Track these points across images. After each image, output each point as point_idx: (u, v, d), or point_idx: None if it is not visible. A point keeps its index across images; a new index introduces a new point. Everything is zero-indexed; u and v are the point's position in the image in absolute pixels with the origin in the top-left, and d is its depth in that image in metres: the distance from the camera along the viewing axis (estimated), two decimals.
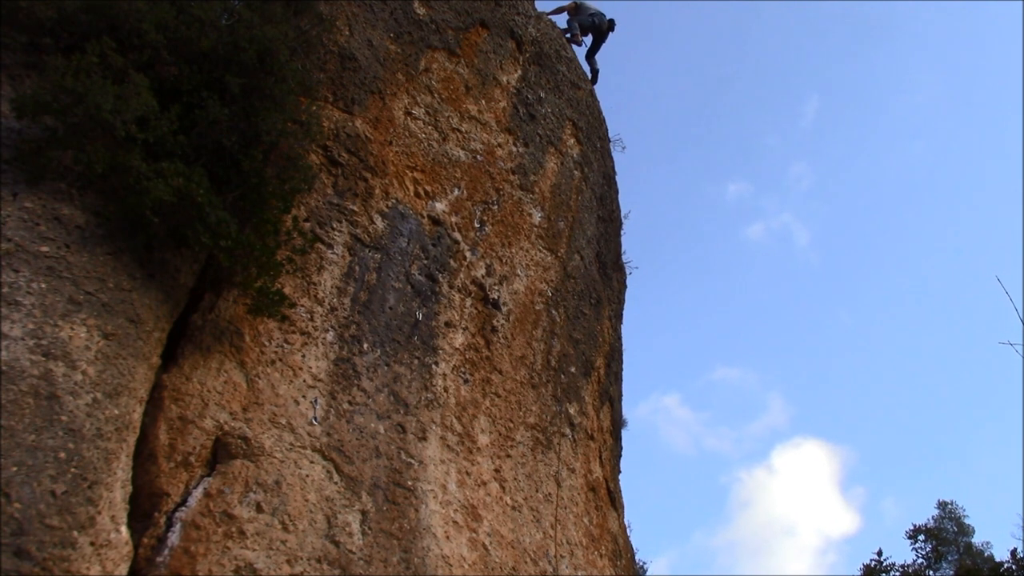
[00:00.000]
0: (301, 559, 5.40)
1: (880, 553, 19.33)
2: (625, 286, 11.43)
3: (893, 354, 75.48)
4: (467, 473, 7.05)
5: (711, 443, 77.21)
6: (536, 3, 10.84)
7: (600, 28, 12.36)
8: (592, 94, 11.36)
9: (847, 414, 70.85)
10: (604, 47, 12.54)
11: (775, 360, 78.27)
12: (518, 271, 8.61)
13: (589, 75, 11.98)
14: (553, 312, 8.90)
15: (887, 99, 79.02)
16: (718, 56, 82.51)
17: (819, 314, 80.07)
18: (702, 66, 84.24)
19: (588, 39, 12.44)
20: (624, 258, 11.48)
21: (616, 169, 11.68)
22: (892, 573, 19.31)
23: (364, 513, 5.94)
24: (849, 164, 79.58)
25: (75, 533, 4.34)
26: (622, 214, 11.64)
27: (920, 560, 20.27)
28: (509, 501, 7.41)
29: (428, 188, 7.88)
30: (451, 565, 6.37)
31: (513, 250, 8.64)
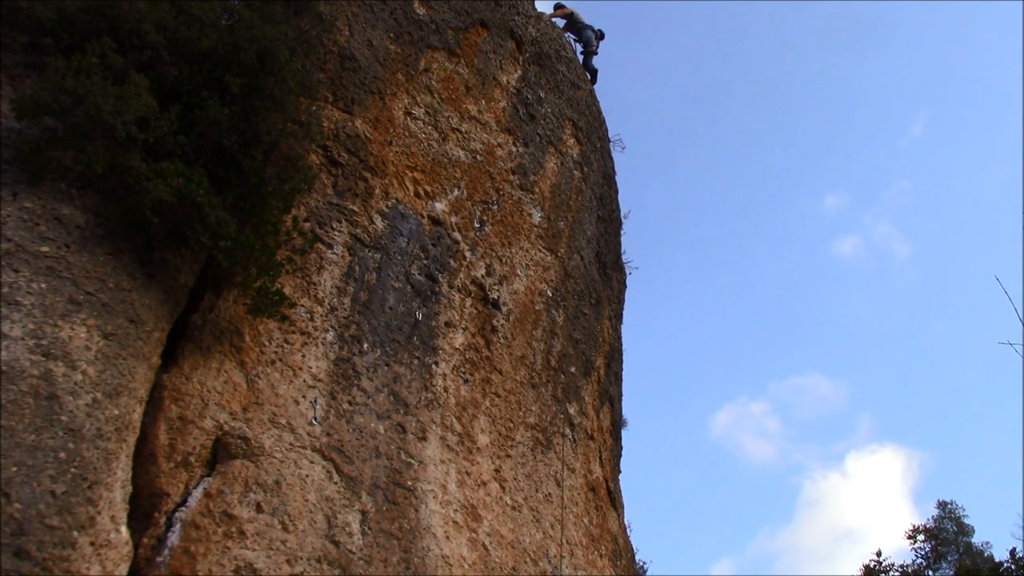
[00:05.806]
0: (301, 559, 5.40)
1: (879, 553, 19.33)
2: (625, 286, 11.44)
3: (978, 364, 74.26)
4: (467, 473, 7.05)
5: (797, 458, 76.34)
6: (536, 3, 10.85)
7: (590, 42, 12.60)
8: (592, 94, 11.37)
9: (927, 420, 69.76)
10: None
11: (864, 369, 77.07)
12: (518, 271, 8.61)
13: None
14: (553, 312, 8.90)
15: (995, 117, 77.80)
16: (839, 68, 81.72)
17: (914, 325, 78.89)
18: (815, 77, 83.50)
19: (579, 48, 12.59)
20: (624, 258, 11.51)
21: (616, 169, 11.71)
22: (892, 573, 19.30)
23: (364, 513, 5.94)
24: (952, 181, 78.53)
25: (75, 533, 4.34)
26: (622, 214, 11.68)
27: (920, 560, 20.27)
28: (509, 501, 7.41)
29: (428, 188, 7.88)
30: (451, 565, 6.37)
31: (513, 250, 8.64)
